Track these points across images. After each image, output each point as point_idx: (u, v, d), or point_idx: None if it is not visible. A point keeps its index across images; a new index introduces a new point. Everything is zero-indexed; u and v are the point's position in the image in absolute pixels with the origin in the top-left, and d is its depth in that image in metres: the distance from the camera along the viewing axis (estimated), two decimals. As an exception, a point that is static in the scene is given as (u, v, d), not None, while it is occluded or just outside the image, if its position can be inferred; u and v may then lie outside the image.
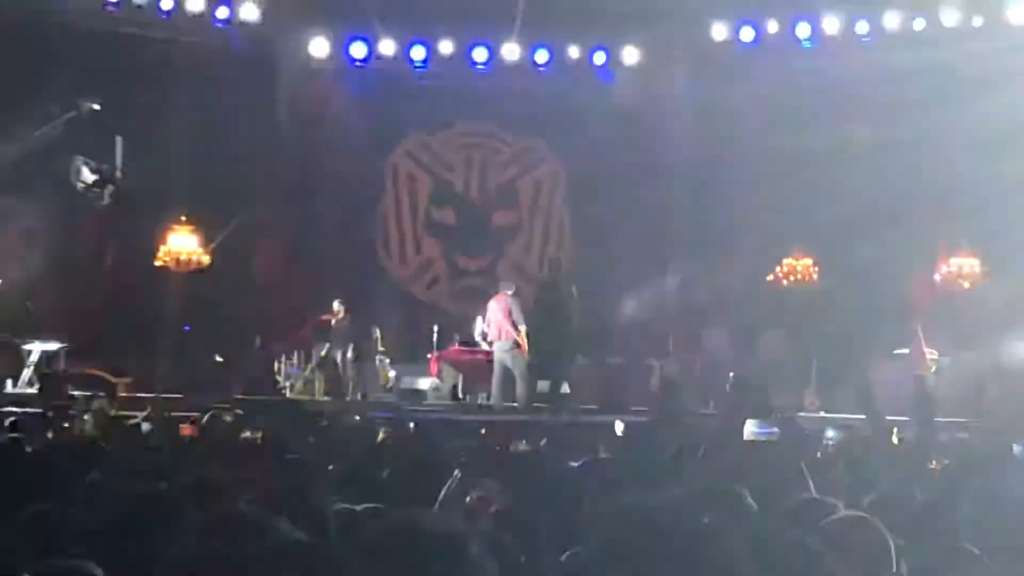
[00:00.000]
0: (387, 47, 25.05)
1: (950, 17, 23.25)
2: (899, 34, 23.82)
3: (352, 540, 2.97)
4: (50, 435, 11.80)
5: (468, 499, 5.65)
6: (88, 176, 21.33)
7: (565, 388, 21.84)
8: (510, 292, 20.65)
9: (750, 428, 14.30)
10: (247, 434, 10.22)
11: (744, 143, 24.34)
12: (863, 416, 18.59)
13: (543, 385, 20.72)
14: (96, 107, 21.84)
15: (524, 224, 26.71)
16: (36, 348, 20.77)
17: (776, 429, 11.77)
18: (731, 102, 24.33)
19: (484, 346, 21.92)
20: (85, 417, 14.91)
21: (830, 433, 13.06)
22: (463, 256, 26.60)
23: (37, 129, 21.55)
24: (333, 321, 22.87)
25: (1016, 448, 13.73)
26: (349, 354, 22.78)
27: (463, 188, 26.89)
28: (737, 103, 24.29)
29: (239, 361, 22.93)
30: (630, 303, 24.13)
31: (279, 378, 22.97)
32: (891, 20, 23.73)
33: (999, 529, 5.16)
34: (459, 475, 5.95)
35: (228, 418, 13.81)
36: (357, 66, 25.52)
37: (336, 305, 22.89)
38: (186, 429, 13.06)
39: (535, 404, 20.01)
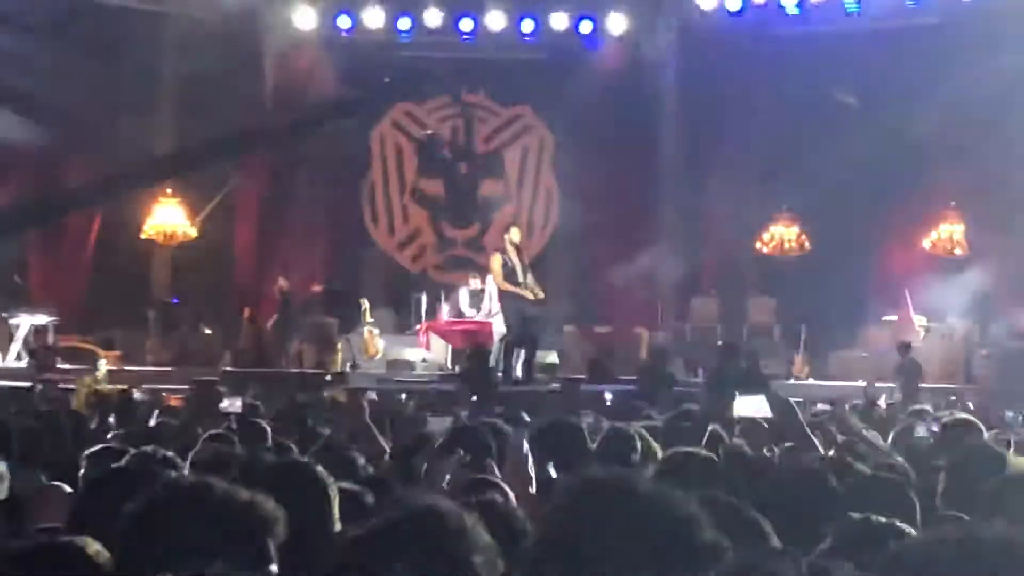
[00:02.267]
0: (373, 18, 24.97)
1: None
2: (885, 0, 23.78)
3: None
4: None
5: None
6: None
7: (553, 358, 21.90)
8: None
9: (739, 404, 14.23)
10: (224, 403, 10.21)
11: (731, 110, 24.31)
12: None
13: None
14: None
15: (512, 194, 26.67)
16: (24, 321, 20.77)
17: (766, 405, 11.74)
18: (717, 69, 24.28)
19: (474, 316, 21.97)
20: (74, 390, 14.94)
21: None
22: (450, 226, 26.61)
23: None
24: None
25: (1008, 414, 13.78)
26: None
27: (450, 158, 26.86)
28: (723, 70, 24.23)
29: (227, 332, 23.00)
30: (618, 271, 24.12)
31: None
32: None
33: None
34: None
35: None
36: (343, 37, 25.43)
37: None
38: (173, 400, 13.10)
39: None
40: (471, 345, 20.20)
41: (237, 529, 3.01)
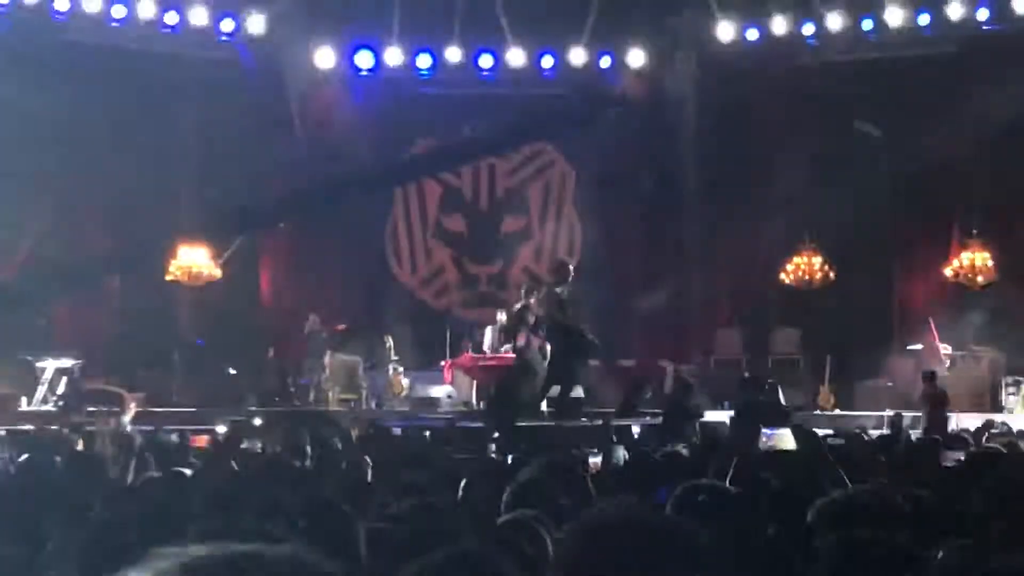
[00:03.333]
0: (393, 56, 25.04)
1: (955, 11, 23.14)
2: (903, 29, 23.72)
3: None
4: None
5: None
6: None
7: (579, 392, 21.85)
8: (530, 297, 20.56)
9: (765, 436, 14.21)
10: (246, 444, 10.25)
11: (752, 140, 24.30)
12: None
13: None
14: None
15: (534, 229, 26.67)
16: (50, 365, 20.80)
17: (791, 436, 11.73)
18: (737, 100, 24.24)
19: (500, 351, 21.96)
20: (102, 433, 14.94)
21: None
22: (474, 263, 26.59)
23: None
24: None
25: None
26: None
27: (472, 195, 26.88)
28: (743, 101, 24.19)
29: (252, 373, 23.03)
30: (641, 305, 24.13)
31: (292, 389, 22.94)
32: (894, 17, 23.59)
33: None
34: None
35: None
36: (363, 76, 25.50)
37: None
38: (199, 441, 13.11)
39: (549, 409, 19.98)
40: (496, 381, 20.22)
41: None
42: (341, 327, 23.58)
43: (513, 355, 20.87)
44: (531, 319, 20.08)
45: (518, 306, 20.52)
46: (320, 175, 23.73)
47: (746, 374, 21.88)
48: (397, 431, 14.43)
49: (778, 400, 18.83)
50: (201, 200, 23.87)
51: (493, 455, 11.39)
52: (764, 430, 12.79)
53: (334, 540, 4.06)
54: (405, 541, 4.63)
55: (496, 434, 14.86)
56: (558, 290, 19.70)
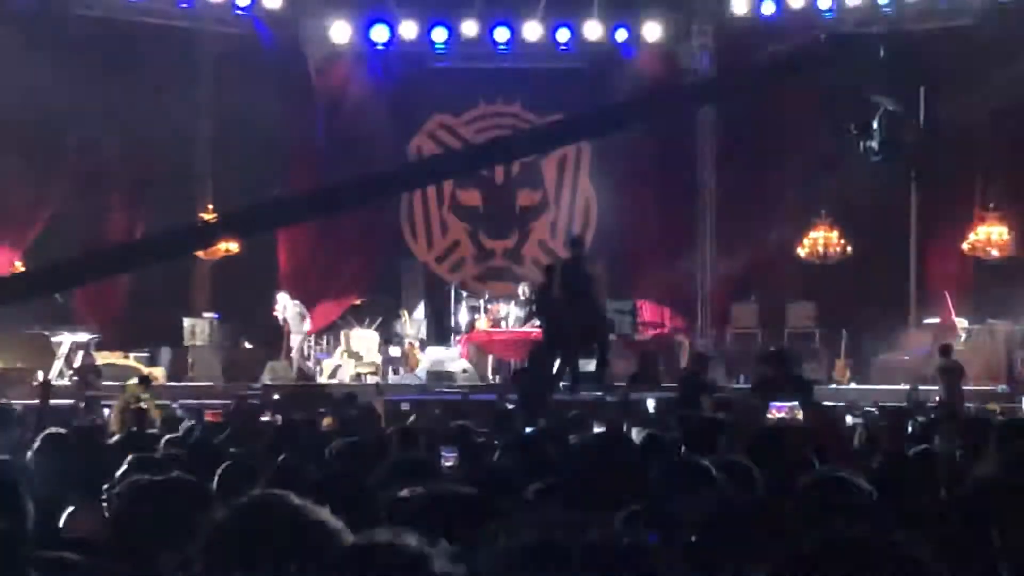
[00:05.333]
0: (408, 30, 25.02)
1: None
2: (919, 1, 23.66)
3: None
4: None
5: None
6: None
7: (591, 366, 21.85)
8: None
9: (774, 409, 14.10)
10: (267, 417, 10.29)
11: (767, 115, 24.20)
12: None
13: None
14: None
15: (549, 203, 26.61)
16: (66, 339, 20.87)
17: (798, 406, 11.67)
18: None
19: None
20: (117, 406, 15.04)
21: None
22: (489, 237, 26.54)
23: None
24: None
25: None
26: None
27: (487, 169, 26.81)
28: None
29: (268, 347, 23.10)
30: (657, 278, 24.11)
31: (309, 364, 23.03)
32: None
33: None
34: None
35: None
36: (379, 50, 25.48)
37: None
38: (212, 415, 13.14)
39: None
40: (523, 355, 20.31)
41: (309, 546, 3.01)
42: (356, 302, 23.61)
43: (535, 329, 20.91)
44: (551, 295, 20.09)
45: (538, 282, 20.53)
46: (346, 175, 23.76)
47: (771, 347, 21.84)
48: (406, 406, 14.46)
49: (800, 373, 18.77)
50: (218, 183, 23.86)
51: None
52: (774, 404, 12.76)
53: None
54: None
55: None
56: (573, 264, 19.67)
